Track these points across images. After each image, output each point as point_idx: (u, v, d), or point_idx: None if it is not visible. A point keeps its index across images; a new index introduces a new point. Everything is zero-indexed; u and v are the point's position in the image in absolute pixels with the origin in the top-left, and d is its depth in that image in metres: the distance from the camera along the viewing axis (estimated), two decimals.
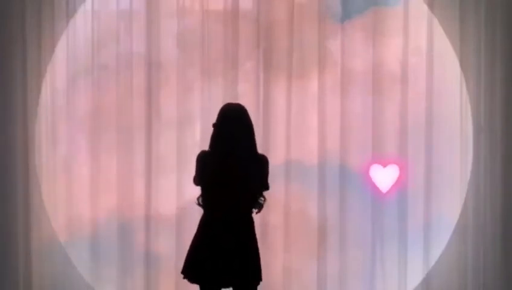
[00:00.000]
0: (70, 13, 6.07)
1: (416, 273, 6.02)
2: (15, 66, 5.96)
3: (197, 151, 5.59)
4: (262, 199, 4.59)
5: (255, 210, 4.60)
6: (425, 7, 6.02)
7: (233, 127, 4.51)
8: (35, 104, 6.03)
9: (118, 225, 6.06)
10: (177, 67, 6.07)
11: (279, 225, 5.98)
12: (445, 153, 6.06)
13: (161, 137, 6.06)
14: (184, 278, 4.55)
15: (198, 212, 6.03)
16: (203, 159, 4.57)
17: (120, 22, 6.09)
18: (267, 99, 6.03)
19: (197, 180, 4.59)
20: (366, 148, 6.06)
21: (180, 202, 6.00)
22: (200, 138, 5.97)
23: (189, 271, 4.51)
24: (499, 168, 5.94)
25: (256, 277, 4.53)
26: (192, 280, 4.52)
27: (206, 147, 5.80)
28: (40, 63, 6.05)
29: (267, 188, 4.60)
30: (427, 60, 6.02)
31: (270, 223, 5.96)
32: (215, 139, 4.55)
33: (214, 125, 4.57)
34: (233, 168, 4.46)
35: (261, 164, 4.55)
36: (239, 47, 6.04)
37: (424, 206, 6.03)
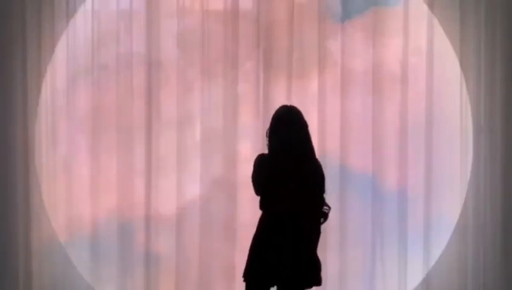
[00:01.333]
0: (70, 13, 6.06)
1: (416, 273, 6.02)
2: (15, 66, 5.96)
3: (197, 152, 5.61)
4: (327, 208, 4.52)
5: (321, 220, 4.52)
6: (425, 7, 6.02)
7: (291, 128, 4.46)
8: (35, 104, 6.02)
9: (118, 225, 6.06)
10: (177, 67, 6.07)
11: None
12: (445, 153, 6.05)
13: (161, 137, 6.06)
14: (248, 285, 4.45)
15: (198, 213, 6.06)
16: (261, 163, 4.47)
17: (120, 22, 6.09)
18: (267, 100, 6.03)
19: (255, 185, 4.47)
20: (366, 148, 6.06)
21: (180, 202, 6.00)
22: (200, 138, 5.98)
23: (251, 273, 4.43)
24: (499, 168, 5.94)
25: (316, 280, 4.48)
26: (250, 282, 4.44)
27: (206, 147, 5.81)
28: (40, 63, 6.05)
29: (323, 191, 4.53)
30: (427, 60, 6.01)
31: None
32: (273, 142, 4.47)
33: (269, 131, 4.51)
34: (291, 170, 4.40)
35: (317, 167, 4.51)
36: (239, 47, 6.04)
37: (424, 206, 6.03)
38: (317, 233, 4.50)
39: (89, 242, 6.07)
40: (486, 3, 5.97)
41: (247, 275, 4.45)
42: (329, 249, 6.03)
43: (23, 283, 5.95)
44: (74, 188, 6.07)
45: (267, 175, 4.41)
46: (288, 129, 4.47)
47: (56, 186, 6.07)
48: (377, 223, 6.06)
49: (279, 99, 6.02)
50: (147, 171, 6.03)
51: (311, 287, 4.50)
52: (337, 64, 6.06)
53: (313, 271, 4.48)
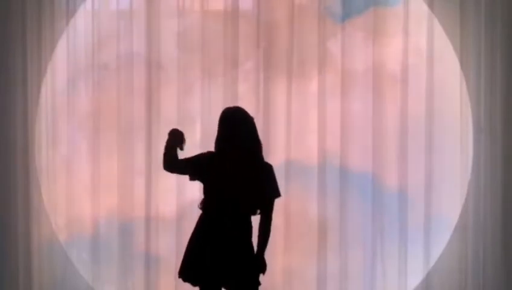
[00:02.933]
0: (70, 13, 6.07)
1: (416, 273, 6.02)
2: (15, 66, 5.96)
3: (197, 152, 5.59)
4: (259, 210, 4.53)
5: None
6: (425, 7, 6.02)
7: (234, 128, 4.49)
8: (35, 104, 6.02)
9: (118, 225, 6.06)
10: (177, 68, 6.07)
11: (279, 225, 5.96)
12: (445, 153, 6.05)
13: (161, 137, 6.05)
14: (179, 277, 4.53)
15: (198, 213, 6.05)
16: (203, 158, 4.54)
17: (120, 22, 6.09)
18: (267, 99, 6.03)
19: (189, 172, 4.57)
20: (366, 148, 6.06)
21: (180, 202, 6.00)
22: (200, 138, 5.98)
23: (186, 272, 4.50)
24: (499, 168, 5.94)
25: (244, 282, 4.49)
26: (187, 280, 4.51)
27: (206, 147, 5.80)
28: (41, 62, 6.05)
29: (277, 194, 4.56)
30: (427, 60, 6.01)
31: None
32: (217, 141, 4.54)
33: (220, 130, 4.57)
34: (232, 169, 4.44)
35: (264, 170, 4.51)
36: (239, 47, 6.04)
37: (424, 206, 6.03)
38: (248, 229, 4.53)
39: (89, 242, 6.08)
40: (486, 3, 5.97)
41: (181, 273, 4.50)
42: (329, 249, 6.04)
43: (23, 283, 5.95)
44: (74, 188, 6.07)
45: (207, 175, 4.47)
46: (230, 128, 4.49)
47: (56, 186, 6.07)
48: (377, 223, 6.06)
49: (279, 99, 6.03)
50: (147, 171, 6.03)
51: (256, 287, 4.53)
52: (337, 64, 6.06)
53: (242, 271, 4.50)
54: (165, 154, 4.56)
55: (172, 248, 5.96)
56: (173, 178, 5.99)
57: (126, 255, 6.03)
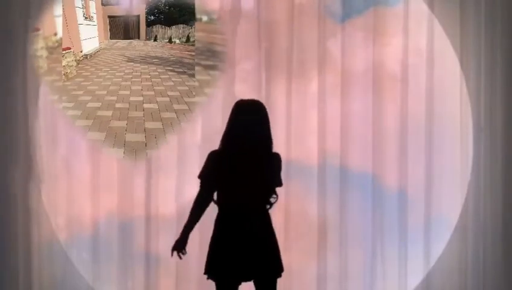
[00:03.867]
0: None
1: (416, 273, 6.02)
2: (15, 66, 5.95)
3: (197, 151, 5.59)
4: (275, 196, 4.57)
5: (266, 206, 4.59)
6: (425, 7, 6.02)
7: (248, 121, 4.48)
8: (35, 104, 6.02)
9: (118, 225, 6.06)
10: None
11: (279, 225, 5.94)
12: (445, 153, 6.05)
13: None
14: (208, 278, 4.52)
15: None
16: (214, 160, 4.51)
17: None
18: (267, 99, 6.01)
19: (205, 180, 4.53)
20: (366, 148, 6.06)
21: (180, 202, 6.00)
22: (200, 138, 5.98)
23: (213, 269, 4.50)
24: (499, 168, 5.94)
25: (277, 269, 4.53)
26: (215, 277, 4.50)
27: (206, 147, 5.79)
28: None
29: (280, 184, 4.58)
30: (427, 60, 6.01)
31: None
32: (227, 135, 4.52)
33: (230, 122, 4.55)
34: (247, 164, 4.44)
35: (274, 161, 4.53)
36: (239, 47, 6.03)
37: (424, 206, 6.03)
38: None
39: (89, 242, 6.07)
40: (486, 3, 5.97)
41: (212, 272, 4.50)
42: (329, 249, 6.04)
43: (23, 283, 5.94)
44: (74, 188, 6.07)
45: (220, 170, 4.45)
46: (244, 123, 4.48)
47: (56, 186, 6.06)
48: (377, 223, 6.06)
49: (279, 99, 6.03)
50: (147, 171, 6.03)
51: (280, 274, 4.55)
52: (337, 64, 6.06)
53: (276, 258, 4.54)
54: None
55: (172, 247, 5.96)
56: (173, 178, 6.00)
57: (126, 255, 6.03)
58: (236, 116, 4.52)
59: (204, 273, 4.55)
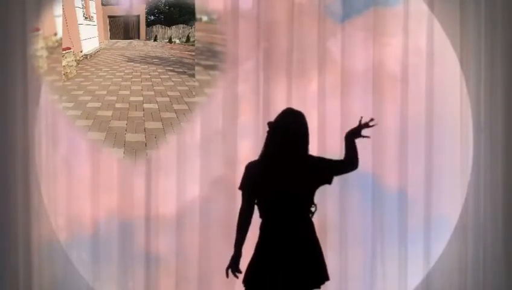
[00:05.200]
0: None
1: (416, 273, 6.02)
2: (15, 66, 5.95)
3: (197, 152, 5.59)
4: (314, 206, 4.53)
5: None
6: (425, 7, 6.02)
7: (288, 134, 4.43)
8: (35, 104, 6.02)
9: (118, 224, 6.06)
10: None
11: None
12: (445, 153, 6.05)
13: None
14: (244, 285, 4.44)
15: (198, 213, 6.06)
16: (252, 170, 4.47)
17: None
18: (267, 99, 6.02)
19: (246, 191, 4.47)
20: (366, 148, 6.05)
21: (180, 202, 6.00)
22: (200, 138, 5.98)
23: (255, 280, 4.42)
24: (499, 168, 5.93)
25: (322, 276, 4.47)
26: (255, 287, 4.43)
27: (206, 147, 5.80)
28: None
29: (329, 181, 4.55)
30: (427, 60, 6.01)
31: None
32: (268, 144, 4.48)
33: (269, 125, 4.51)
34: (285, 174, 4.39)
35: (310, 164, 4.48)
36: (239, 47, 6.03)
37: (424, 206, 6.03)
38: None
39: (89, 242, 6.07)
40: (486, 3, 5.97)
41: (251, 281, 4.43)
42: (329, 249, 6.03)
43: (23, 283, 5.94)
44: (74, 188, 6.07)
45: (260, 181, 4.41)
46: (286, 136, 4.43)
47: (56, 186, 6.06)
48: (377, 223, 6.06)
49: (279, 99, 6.02)
50: (147, 171, 6.03)
51: (324, 282, 4.49)
52: (337, 64, 6.06)
53: (318, 270, 4.47)
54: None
55: (172, 248, 5.97)
56: (173, 178, 6.00)
57: (126, 255, 6.03)
58: (275, 126, 4.47)
59: (244, 281, 4.44)
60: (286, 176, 4.39)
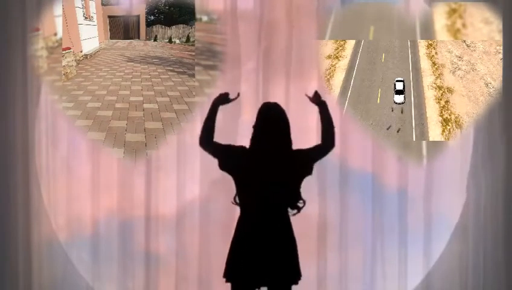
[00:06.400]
0: None
1: (416, 273, 6.02)
2: (15, 66, 5.95)
3: (197, 152, 5.59)
4: (302, 201, 4.57)
5: (292, 211, 4.59)
6: (425, 7, 6.02)
7: (271, 126, 4.53)
8: (35, 104, 6.02)
9: (118, 224, 6.06)
10: None
11: None
12: (445, 153, 6.05)
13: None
14: (227, 281, 4.52)
15: (198, 213, 6.06)
16: (234, 150, 4.56)
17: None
18: (267, 99, 6.00)
19: (219, 157, 4.57)
20: (366, 148, 6.06)
21: (180, 201, 6.00)
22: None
23: (231, 272, 4.50)
24: (499, 168, 5.93)
25: (292, 276, 4.51)
26: (232, 280, 4.49)
27: None
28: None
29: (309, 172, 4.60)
30: None
31: None
32: (254, 139, 4.56)
33: (254, 126, 4.59)
34: (267, 166, 4.46)
35: (294, 159, 4.55)
36: (239, 47, 6.03)
37: (424, 206, 6.03)
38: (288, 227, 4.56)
39: (89, 242, 6.07)
40: (486, 3, 5.97)
41: (230, 275, 4.49)
42: (329, 249, 6.04)
43: (23, 283, 5.94)
44: (74, 188, 6.07)
45: (242, 171, 4.47)
46: (270, 128, 4.53)
47: (56, 186, 6.06)
48: (377, 223, 6.06)
49: (279, 99, 6.01)
50: (147, 171, 6.03)
51: (296, 281, 4.53)
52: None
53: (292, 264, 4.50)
54: (203, 127, 4.62)
55: (172, 247, 5.97)
56: (173, 178, 6.00)
57: (126, 254, 6.03)
58: (257, 120, 4.57)
59: (223, 276, 4.53)
60: (267, 168, 4.44)
